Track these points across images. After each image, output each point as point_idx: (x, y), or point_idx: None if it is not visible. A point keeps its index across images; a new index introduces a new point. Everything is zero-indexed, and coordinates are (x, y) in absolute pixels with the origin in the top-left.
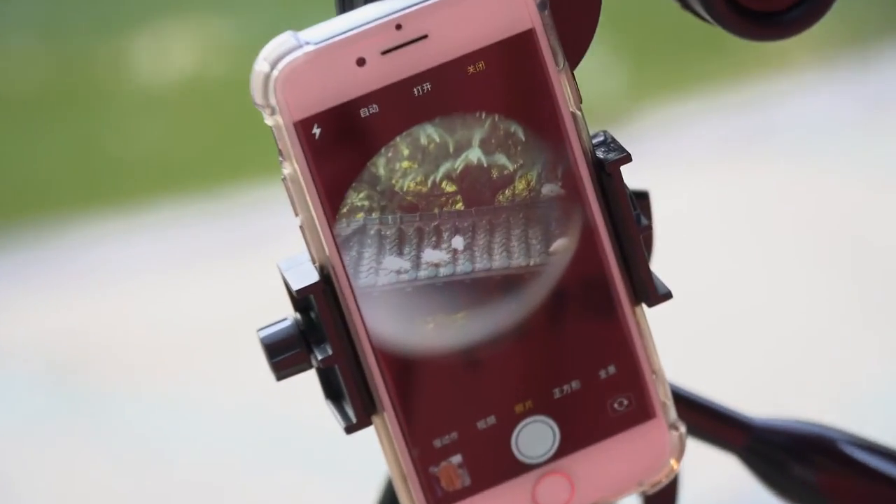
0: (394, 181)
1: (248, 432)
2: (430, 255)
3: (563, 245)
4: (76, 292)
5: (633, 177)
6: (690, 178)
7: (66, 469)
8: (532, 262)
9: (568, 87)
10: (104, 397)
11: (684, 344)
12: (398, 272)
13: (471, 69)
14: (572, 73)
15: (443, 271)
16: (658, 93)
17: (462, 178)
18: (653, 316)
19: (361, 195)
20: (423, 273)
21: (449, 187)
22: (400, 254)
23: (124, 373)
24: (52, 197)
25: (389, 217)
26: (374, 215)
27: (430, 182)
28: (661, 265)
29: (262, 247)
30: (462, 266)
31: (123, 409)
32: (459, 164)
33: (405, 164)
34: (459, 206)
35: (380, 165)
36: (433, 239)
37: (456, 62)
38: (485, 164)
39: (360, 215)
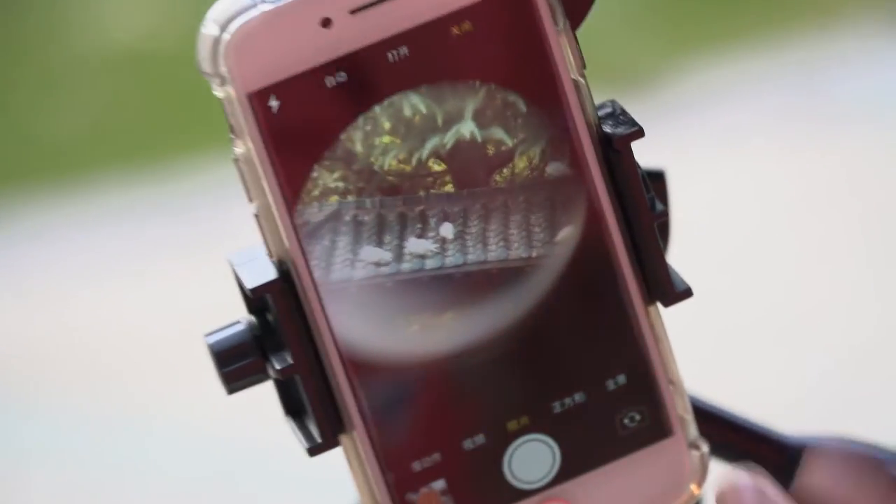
0: (372, 159)
1: (200, 455)
2: (415, 244)
3: (569, 234)
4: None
5: (664, 155)
6: (731, 158)
7: None
8: (534, 254)
9: (569, 51)
10: (34, 418)
11: (708, 350)
12: (377, 264)
13: (455, 30)
14: (574, 35)
15: (429, 263)
16: (694, 54)
17: (452, 156)
18: (670, 317)
19: (335, 175)
20: (406, 265)
21: (437, 166)
22: (379, 243)
23: (56, 389)
24: None
25: (367, 200)
26: (350, 198)
27: (414, 160)
28: (688, 259)
29: (216, 240)
30: (452, 258)
31: (56, 430)
32: (449, 139)
33: (386, 138)
34: (449, 187)
35: (356, 140)
36: (418, 226)
37: (437, 23)
38: (479, 139)
39: (334, 198)
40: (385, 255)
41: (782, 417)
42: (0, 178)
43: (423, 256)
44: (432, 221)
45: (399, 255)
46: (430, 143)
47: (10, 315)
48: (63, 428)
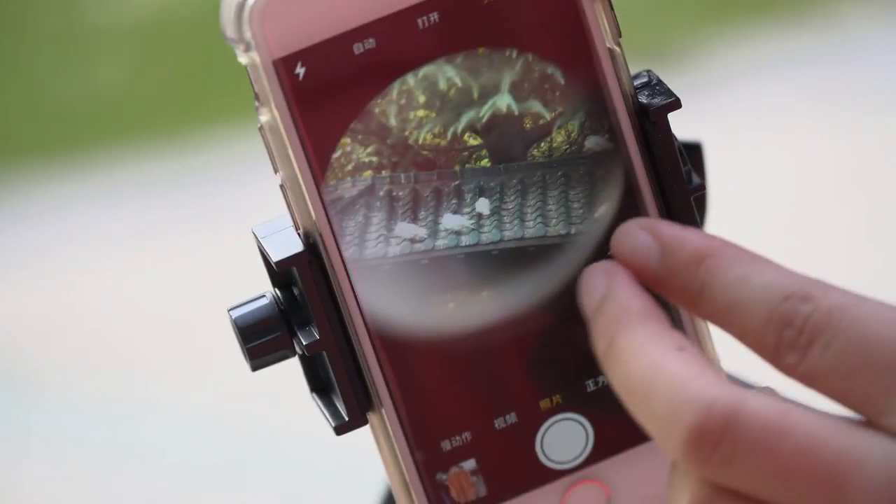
0: (407, 133)
1: (217, 438)
2: (450, 220)
3: (608, 210)
4: (8, 278)
5: (696, 132)
6: (768, 135)
7: None
8: (573, 230)
9: (604, 18)
10: (42, 400)
11: None
12: (412, 241)
13: None
14: (610, 2)
15: (465, 240)
16: (727, 29)
17: (488, 129)
18: None
19: (369, 150)
20: (441, 242)
21: (473, 140)
22: (414, 219)
23: (65, 372)
24: None
25: (402, 175)
26: (385, 173)
27: (450, 134)
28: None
29: (232, 217)
30: (488, 234)
31: (71, 413)
32: (485, 112)
33: (420, 112)
34: (485, 162)
35: (390, 115)
36: (454, 201)
37: None
38: (516, 112)
39: (368, 173)
40: (420, 231)
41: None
42: (13, 151)
43: (458, 233)
44: (468, 197)
45: (434, 232)
46: (466, 117)
47: (21, 293)
48: (70, 412)
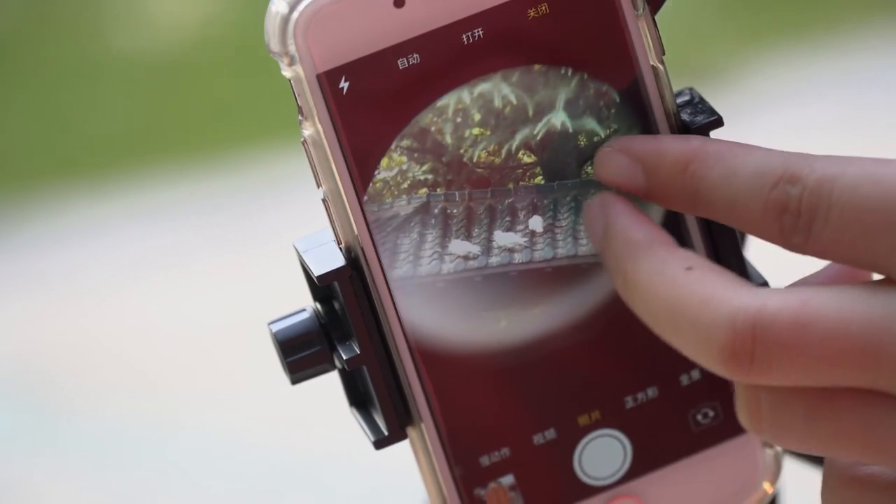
0: (462, 150)
1: (253, 460)
2: (504, 238)
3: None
4: (41, 298)
5: None
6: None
7: None
8: None
9: (648, 36)
10: (78, 424)
11: None
12: (466, 258)
13: (531, 13)
14: (654, 20)
15: (518, 257)
16: (765, 51)
17: (543, 147)
18: None
19: (425, 167)
20: (494, 259)
21: (527, 158)
22: (468, 236)
23: (101, 394)
24: (10, 179)
25: (456, 193)
26: (440, 191)
27: (504, 151)
28: (764, 255)
29: (258, 240)
30: (542, 251)
31: (101, 436)
32: (540, 129)
33: (476, 130)
34: (539, 179)
35: (446, 132)
36: (507, 219)
37: (513, 4)
38: (570, 130)
39: (423, 191)
40: (473, 248)
41: None
42: (45, 171)
43: (511, 250)
44: (521, 214)
45: (488, 249)
46: (521, 135)
47: (51, 314)
48: (101, 434)
